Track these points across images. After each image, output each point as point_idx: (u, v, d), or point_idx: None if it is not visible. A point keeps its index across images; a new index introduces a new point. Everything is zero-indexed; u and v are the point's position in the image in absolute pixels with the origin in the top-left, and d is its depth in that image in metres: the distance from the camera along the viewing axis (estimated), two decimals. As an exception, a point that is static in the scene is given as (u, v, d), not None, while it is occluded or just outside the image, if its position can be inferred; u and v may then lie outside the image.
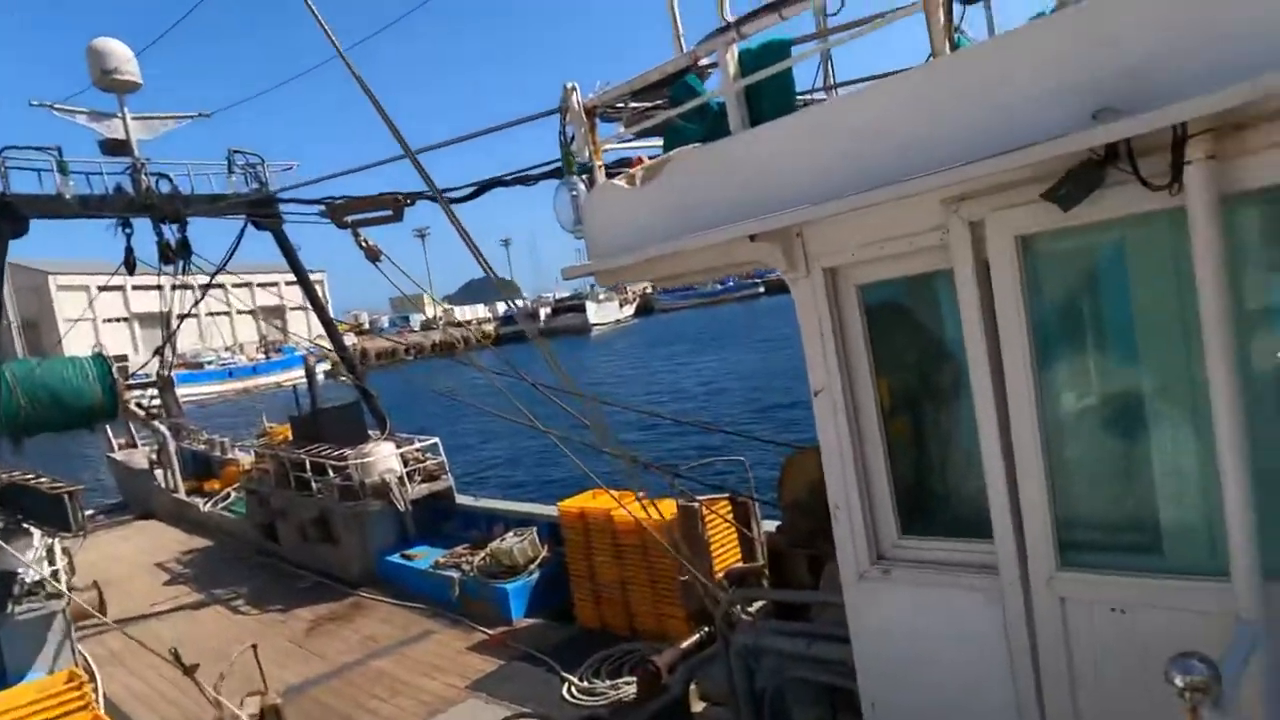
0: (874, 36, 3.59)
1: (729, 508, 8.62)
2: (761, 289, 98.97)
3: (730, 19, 3.71)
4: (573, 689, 9.00)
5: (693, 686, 5.73)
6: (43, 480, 9.52)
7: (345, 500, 12.98)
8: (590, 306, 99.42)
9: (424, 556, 12.92)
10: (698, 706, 5.71)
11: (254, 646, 7.76)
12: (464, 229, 5.87)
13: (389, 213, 8.40)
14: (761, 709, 4.63)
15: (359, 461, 12.89)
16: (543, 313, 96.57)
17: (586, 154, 4.44)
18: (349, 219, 8.59)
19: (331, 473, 13.05)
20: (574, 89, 4.31)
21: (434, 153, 7.80)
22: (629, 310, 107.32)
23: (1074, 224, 2.90)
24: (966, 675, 3.43)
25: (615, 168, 5.07)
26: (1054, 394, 3.18)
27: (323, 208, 9.22)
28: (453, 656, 10.45)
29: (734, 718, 4.94)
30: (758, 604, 5.76)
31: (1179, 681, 2.15)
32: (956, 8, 3.32)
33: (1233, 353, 2.67)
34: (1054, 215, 2.86)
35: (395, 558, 13.07)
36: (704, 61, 4.06)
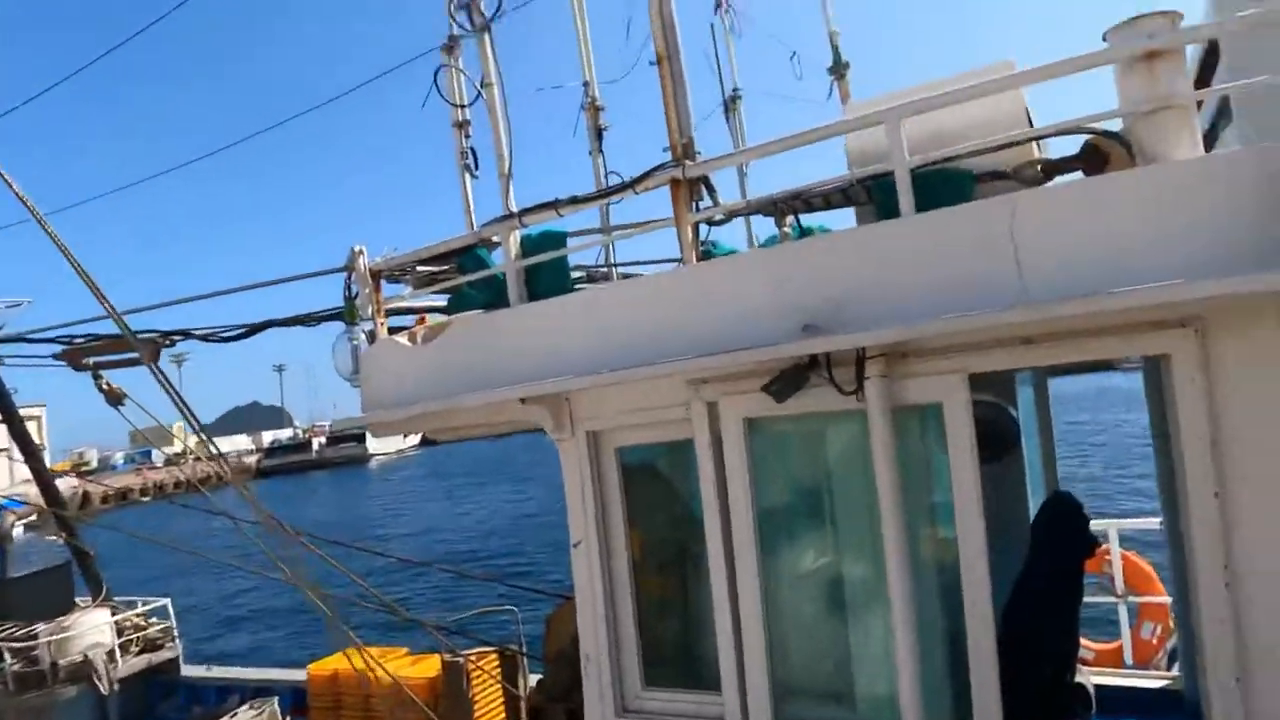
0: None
1: (497, 662, 8.43)
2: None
3: (514, 209, 4.19)
4: None
5: None
6: None
7: (24, 691, 10.82)
8: (370, 436, 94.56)
9: (129, 751, 11.07)
10: None
11: None
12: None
13: (136, 355, 7.89)
14: None
15: (53, 639, 10.93)
16: (317, 442, 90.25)
17: (369, 310, 4.63)
18: (89, 361, 7.92)
19: (8, 657, 10.89)
20: (361, 251, 4.55)
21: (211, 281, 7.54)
22: (413, 439, 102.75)
23: (789, 413, 3.49)
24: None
25: (398, 314, 5.27)
26: (773, 565, 3.65)
27: (58, 349, 8.42)
28: None
29: None
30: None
31: None
32: (704, 227, 4.02)
33: (904, 540, 3.26)
34: (772, 404, 3.42)
35: (86, 763, 10.98)
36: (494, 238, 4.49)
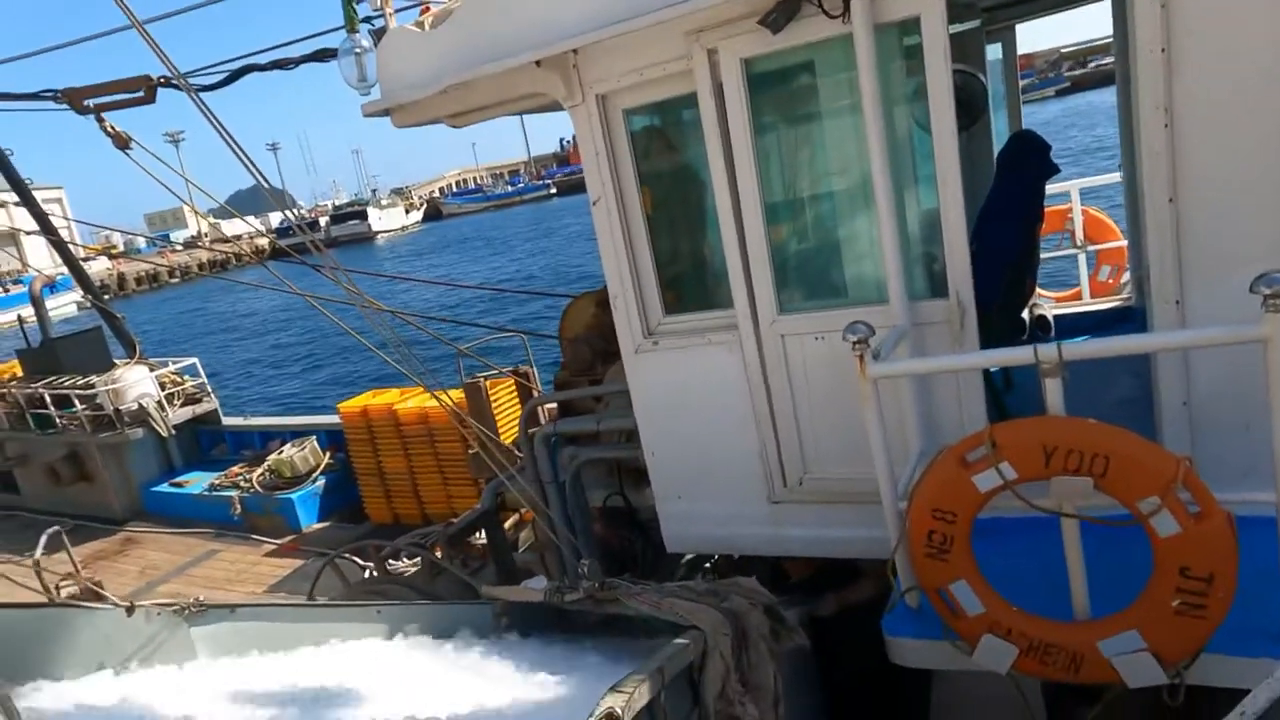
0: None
1: (511, 383, 9.32)
2: (553, 190, 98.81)
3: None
4: (372, 572, 9.30)
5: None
6: None
7: (99, 432, 12.03)
8: (373, 213, 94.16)
9: (196, 482, 12.39)
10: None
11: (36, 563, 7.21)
12: (215, 119, 5.51)
13: (140, 94, 7.97)
14: (563, 493, 5.45)
15: (110, 388, 11.99)
16: (322, 220, 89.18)
17: (370, 8, 4.80)
18: (89, 102, 8.01)
19: (79, 404, 12.00)
20: (361, -61, 4.64)
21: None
22: (416, 216, 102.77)
23: (782, 48, 3.85)
24: (719, 406, 4.45)
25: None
26: (771, 187, 4.18)
27: (56, 95, 8.44)
28: (246, 568, 10.27)
29: (541, 505, 5.76)
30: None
31: (851, 337, 3.21)
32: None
33: (885, 147, 3.73)
34: (767, 40, 3.77)
35: (164, 487, 12.40)
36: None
